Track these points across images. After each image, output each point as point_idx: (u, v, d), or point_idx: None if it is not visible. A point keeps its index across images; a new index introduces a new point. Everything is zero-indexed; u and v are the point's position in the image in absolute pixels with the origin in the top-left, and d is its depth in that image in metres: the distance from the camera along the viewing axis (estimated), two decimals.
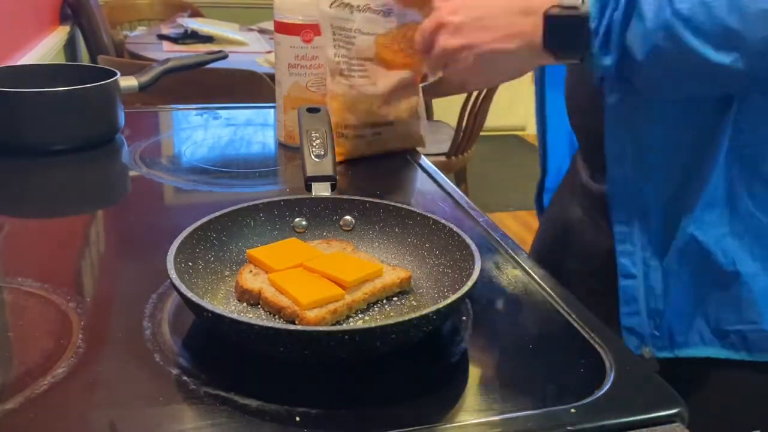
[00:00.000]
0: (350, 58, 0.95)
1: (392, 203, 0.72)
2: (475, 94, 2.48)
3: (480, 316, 0.63)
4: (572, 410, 0.50)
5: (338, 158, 0.95)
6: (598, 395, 0.52)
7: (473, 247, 0.63)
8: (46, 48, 2.27)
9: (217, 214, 0.67)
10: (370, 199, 0.73)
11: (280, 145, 1.09)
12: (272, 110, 1.26)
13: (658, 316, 0.74)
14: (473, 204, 0.88)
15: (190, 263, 0.62)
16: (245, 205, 0.70)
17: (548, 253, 0.95)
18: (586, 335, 0.60)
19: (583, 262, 0.87)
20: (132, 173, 0.98)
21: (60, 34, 2.58)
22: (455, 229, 0.66)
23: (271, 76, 1.45)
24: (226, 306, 0.62)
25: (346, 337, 0.51)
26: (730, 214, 0.69)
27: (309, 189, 0.76)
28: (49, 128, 0.99)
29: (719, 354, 0.72)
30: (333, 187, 0.76)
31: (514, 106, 3.89)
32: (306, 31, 1.00)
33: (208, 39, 2.63)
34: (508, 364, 0.57)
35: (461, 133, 2.53)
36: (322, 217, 0.73)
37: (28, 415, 0.48)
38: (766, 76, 0.63)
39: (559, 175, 1.02)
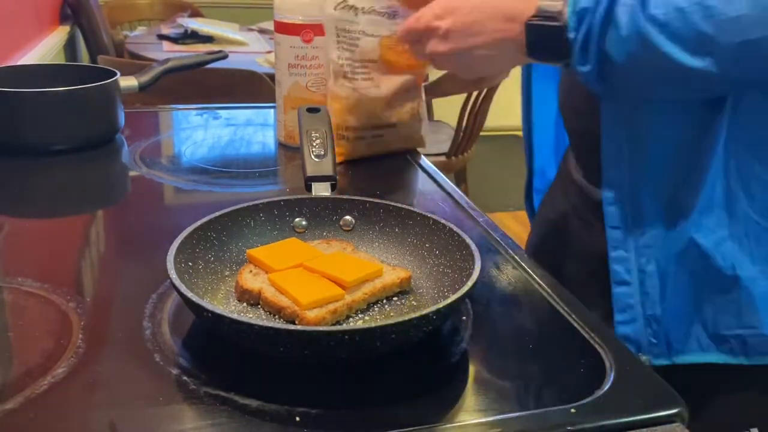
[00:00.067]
0: (354, 61, 0.95)
1: (392, 203, 0.72)
2: (475, 94, 2.48)
3: (480, 316, 0.63)
4: (572, 410, 0.50)
5: (338, 159, 0.95)
6: (598, 395, 0.52)
7: (473, 247, 0.63)
8: (46, 48, 2.27)
9: (217, 214, 0.67)
10: (370, 199, 0.73)
11: (280, 145, 1.09)
12: (272, 110, 1.26)
13: (655, 322, 0.73)
14: (473, 204, 0.88)
15: (190, 263, 0.62)
16: (245, 205, 0.70)
17: (542, 254, 0.95)
18: (586, 335, 0.60)
19: (579, 263, 0.86)
20: (132, 173, 0.98)
21: (60, 34, 2.58)
22: (455, 229, 0.66)
23: (271, 76, 1.45)
24: (226, 306, 0.62)
25: (346, 337, 0.51)
26: (729, 218, 0.69)
27: (309, 189, 0.76)
28: (49, 128, 0.99)
29: (717, 359, 0.72)
30: (333, 187, 0.76)
31: (514, 106, 3.88)
32: (306, 31, 1.00)
33: (208, 39, 2.63)
34: (508, 364, 0.57)
35: (461, 133, 2.53)
36: (322, 217, 0.73)
37: (28, 415, 0.48)
38: (740, 79, 0.64)
39: (544, 176, 1.02)
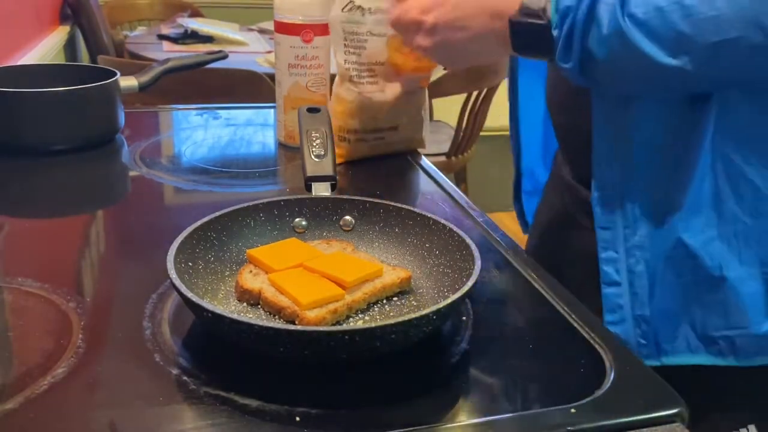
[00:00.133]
0: (360, 65, 0.95)
1: (392, 203, 0.72)
2: (475, 94, 2.48)
3: (480, 316, 0.63)
4: (572, 410, 0.50)
5: (339, 160, 0.96)
6: (598, 395, 0.52)
7: (473, 247, 0.63)
8: (46, 48, 2.27)
9: (217, 214, 0.67)
10: (370, 199, 0.73)
11: (280, 145, 1.09)
12: (272, 110, 1.26)
13: (644, 322, 0.73)
14: (473, 204, 0.88)
15: (190, 263, 0.62)
16: (245, 205, 0.70)
17: (541, 256, 0.95)
18: (586, 335, 0.60)
19: (576, 264, 0.86)
20: (132, 173, 0.98)
21: (60, 34, 2.58)
22: (455, 229, 0.66)
23: (271, 76, 1.45)
24: (226, 306, 0.62)
25: (346, 337, 0.51)
26: (718, 218, 0.69)
27: (309, 189, 0.76)
28: (49, 128, 0.99)
29: (706, 361, 0.72)
30: (333, 187, 0.76)
31: None
32: (306, 31, 1.00)
33: (208, 39, 2.63)
34: (507, 364, 0.57)
35: (461, 133, 2.53)
36: (322, 217, 0.73)
37: (28, 415, 0.48)
38: (717, 78, 0.65)
39: (533, 176, 1.02)
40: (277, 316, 0.60)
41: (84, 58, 2.92)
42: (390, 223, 0.71)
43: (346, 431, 0.49)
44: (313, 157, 0.78)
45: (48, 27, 2.52)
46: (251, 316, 0.60)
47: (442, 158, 2.54)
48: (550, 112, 0.92)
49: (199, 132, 1.16)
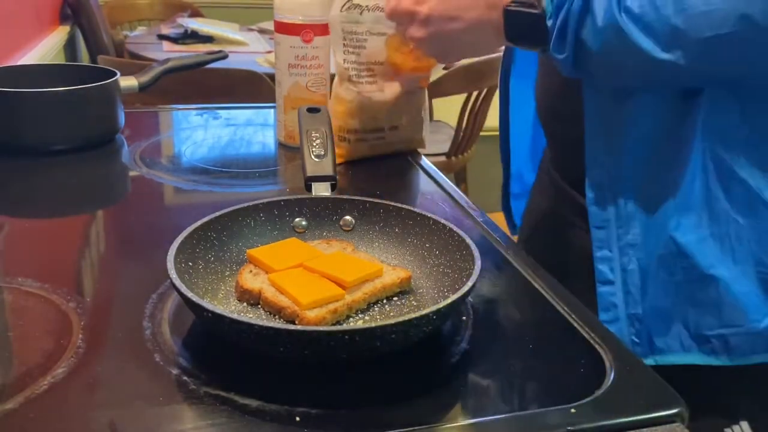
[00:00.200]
0: (359, 64, 0.95)
1: (392, 203, 0.72)
2: (475, 94, 2.48)
3: (480, 316, 0.63)
4: (572, 410, 0.50)
5: (339, 160, 0.96)
6: (598, 395, 0.52)
7: (473, 247, 0.63)
8: (46, 48, 2.27)
9: (217, 214, 0.67)
10: (370, 199, 0.73)
11: (280, 145, 1.09)
12: (272, 110, 1.26)
13: (637, 321, 0.73)
14: (473, 204, 0.88)
15: (190, 263, 0.62)
16: (245, 205, 0.70)
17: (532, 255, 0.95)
18: (586, 335, 0.60)
19: (568, 264, 0.87)
20: (132, 173, 0.98)
21: (60, 34, 2.58)
22: (455, 229, 0.66)
23: (271, 76, 1.45)
24: (226, 306, 0.62)
25: (346, 337, 0.51)
26: (710, 217, 0.69)
27: (309, 189, 0.76)
28: (49, 128, 0.99)
29: (699, 360, 0.72)
30: (333, 187, 0.76)
31: None
32: (306, 31, 1.00)
33: (208, 39, 2.63)
34: (508, 364, 0.57)
35: (461, 133, 2.53)
36: (322, 217, 0.73)
37: (28, 415, 0.48)
38: (708, 73, 0.65)
39: (521, 179, 1.03)
40: (277, 316, 0.60)
41: (84, 58, 2.92)
42: (390, 223, 0.71)
43: (346, 431, 0.49)
44: (313, 157, 0.78)
45: (48, 27, 2.52)
46: (251, 316, 0.60)
47: (442, 158, 2.54)
48: (539, 118, 0.92)
49: (199, 132, 1.16)
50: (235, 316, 0.52)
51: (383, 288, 0.63)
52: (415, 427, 0.48)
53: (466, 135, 2.54)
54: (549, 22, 0.67)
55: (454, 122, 2.63)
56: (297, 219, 0.72)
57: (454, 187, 0.94)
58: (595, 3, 0.64)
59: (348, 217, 0.73)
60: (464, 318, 0.62)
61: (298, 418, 0.49)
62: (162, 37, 2.65)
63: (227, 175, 0.98)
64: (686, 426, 0.50)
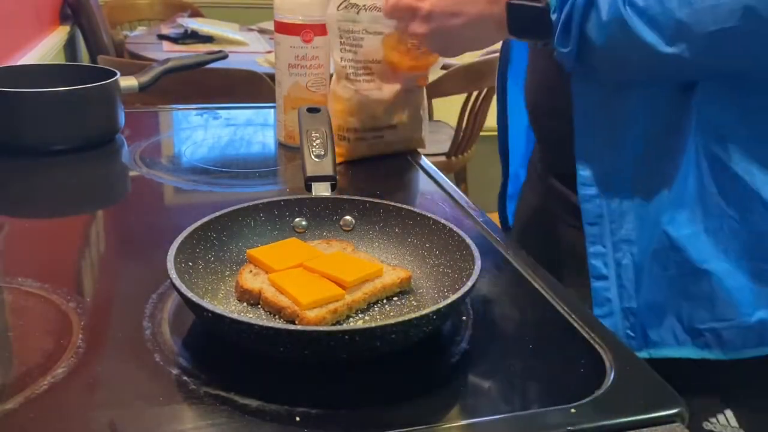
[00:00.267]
0: (356, 62, 0.96)
1: (392, 203, 0.72)
2: (475, 94, 2.48)
3: (480, 316, 0.63)
4: (572, 410, 0.50)
5: (339, 159, 0.96)
6: (598, 395, 0.52)
7: (473, 247, 0.63)
8: (46, 48, 2.26)
9: (217, 214, 0.67)
10: (370, 199, 0.73)
11: (280, 145, 1.09)
12: (272, 110, 1.26)
13: (631, 315, 0.74)
14: (473, 204, 0.88)
15: (190, 263, 0.62)
16: (245, 205, 0.70)
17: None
18: (586, 335, 0.60)
19: (560, 261, 0.87)
20: (132, 173, 0.98)
21: (60, 34, 2.58)
22: (455, 229, 0.66)
23: (271, 76, 1.45)
24: (226, 306, 0.62)
25: (346, 337, 0.51)
26: (703, 212, 0.69)
27: (309, 189, 0.76)
28: (49, 128, 0.99)
29: (693, 354, 0.72)
30: (333, 187, 0.76)
31: None
32: (306, 31, 1.00)
33: (208, 39, 2.63)
34: (508, 364, 0.57)
35: (461, 133, 2.53)
36: (322, 217, 0.73)
37: (28, 415, 0.48)
38: (712, 67, 0.65)
39: (518, 180, 1.03)
40: (277, 316, 0.60)
41: (84, 58, 2.92)
42: (390, 223, 0.71)
43: (346, 431, 0.49)
44: (313, 157, 0.78)
45: (48, 27, 2.52)
46: (251, 316, 0.60)
47: (442, 158, 2.54)
48: (529, 116, 0.92)
49: (199, 132, 1.16)
50: (235, 316, 0.52)
51: (383, 288, 0.63)
52: (415, 427, 0.48)
53: (466, 135, 2.54)
54: (553, 16, 0.67)
55: (454, 122, 2.63)
56: (297, 219, 0.72)
57: (454, 187, 0.94)
58: None
59: (348, 217, 0.73)
60: (464, 318, 0.62)
61: (298, 418, 0.49)
62: (162, 37, 2.65)
63: (227, 175, 0.98)
64: (686, 426, 0.50)
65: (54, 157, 0.99)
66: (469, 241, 0.64)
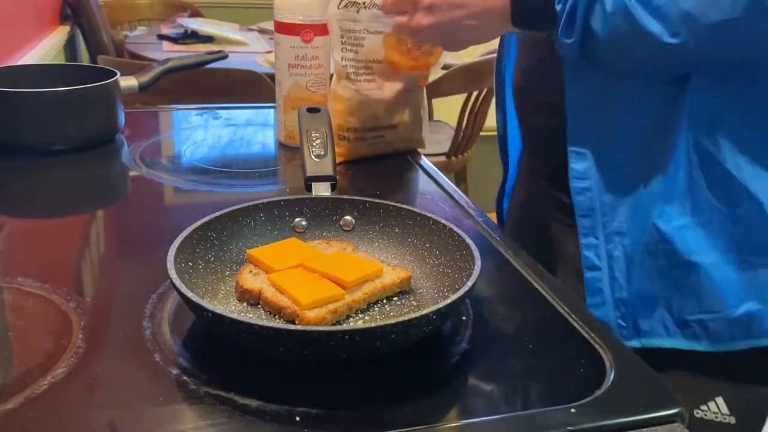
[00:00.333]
0: (357, 62, 0.96)
1: (392, 203, 0.72)
2: (475, 94, 2.48)
3: (480, 316, 0.63)
4: (572, 410, 0.50)
5: (339, 159, 0.96)
6: (598, 395, 0.52)
7: (473, 247, 0.63)
8: (46, 48, 2.26)
9: (217, 214, 0.67)
10: (370, 199, 0.73)
11: (280, 145, 1.09)
12: (272, 110, 1.26)
13: (623, 305, 0.75)
14: (473, 204, 0.88)
15: (190, 263, 0.62)
16: (245, 205, 0.70)
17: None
18: (586, 335, 0.60)
19: (553, 259, 0.87)
20: (132, 173, 0.98)
21: (60, 34, 2.58)
22: (455, 229, 0.66)
23: (271, 76, 1.45)
24: (226, 306, 0.62)
25: (346, 337, 0.51)
26: (693, 206, 0.70)
27: (309, 189, 0.76)
28: (49, 128, 0.99)
29: (682, 345, 0.73)
30: (333, 187, 0.76)
31: None
32: (306, 31, 1.00)
33: (208, 39, 2.63)
34: (508, 364, 0.57)
35: (461, 133, 2.53)
36: (322, 217, 0.73)
37: (28, 415, 0.48)
38: (715, 58, 0.66)
39: (514, 177, 1.03)
40: (277, 316, 0.60)
41: (84, 58, 2.92)
42: (390, 223, 0.71)
43: (346, 431, 0.49)
44: (313, 157, 0.78)
45: (48, 27, 2.52)
46: (251, 316, 0.60)
47: (442, 158, 2.54)
48: (518, 114, 0.92)
49: (199, 132, 1.16)
50: (235, 316, 0.52)
51: (383, 288, 0.63)
52: (415, 427, 0.48)
53: (466, 135, 2.54)
54: (558, 7, 0.68)
55: (454, 122, 2.63)
56: (297, 219, 0.72)
57: (454, 187, 0.94)
58: None
59: (348, 217, 0.73)
60: (464, 318, 0.62)
61: (298, 418, 0.49)
62: (162, 37, 2.65)
63: (227, 175, 0.98)
64: (686, 426, 0.50)
65: (54, 157, 0.99)
66: (469, 241, 0.64)
